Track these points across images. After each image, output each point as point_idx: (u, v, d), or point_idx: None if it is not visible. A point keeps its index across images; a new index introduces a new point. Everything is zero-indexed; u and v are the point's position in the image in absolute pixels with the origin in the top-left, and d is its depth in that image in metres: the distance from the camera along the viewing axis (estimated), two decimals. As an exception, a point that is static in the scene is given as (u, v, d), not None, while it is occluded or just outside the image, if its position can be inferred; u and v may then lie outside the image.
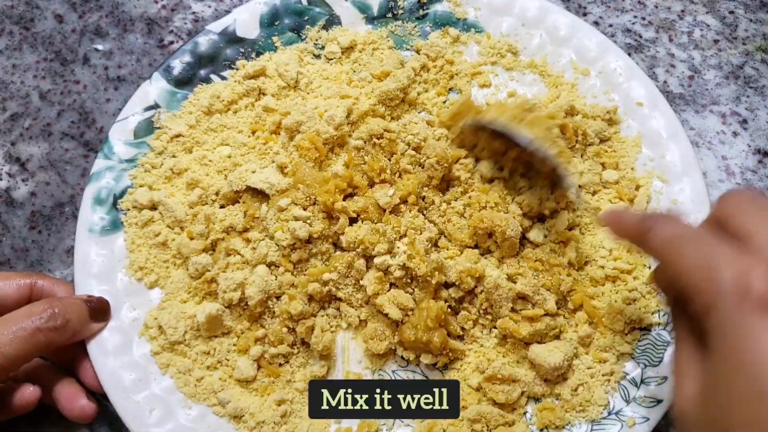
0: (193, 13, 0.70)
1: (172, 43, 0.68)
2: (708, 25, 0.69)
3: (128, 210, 0.56)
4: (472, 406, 0.51)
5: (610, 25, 0.69)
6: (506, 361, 0.52)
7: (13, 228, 0.61)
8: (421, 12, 0.65)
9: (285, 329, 0.52)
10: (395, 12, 0.65)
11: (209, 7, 0.70)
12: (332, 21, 0.64)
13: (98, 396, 0.52)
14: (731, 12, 0.70)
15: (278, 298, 0.53)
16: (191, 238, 0.55)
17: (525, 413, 0.52)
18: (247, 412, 0.51)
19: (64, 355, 0.52)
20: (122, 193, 0.57)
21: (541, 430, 0.51)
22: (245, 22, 0.63)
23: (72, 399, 0.50)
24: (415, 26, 0.64)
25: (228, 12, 0.70)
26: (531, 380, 0.51)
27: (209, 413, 0.52)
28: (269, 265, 0.53)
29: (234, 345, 0.53)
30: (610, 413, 0.51)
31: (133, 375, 0.51)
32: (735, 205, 0.35)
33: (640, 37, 0.68)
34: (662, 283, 0.41)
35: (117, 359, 0.51)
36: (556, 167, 0.51)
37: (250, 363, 0.52)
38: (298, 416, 0.52)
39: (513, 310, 0.52)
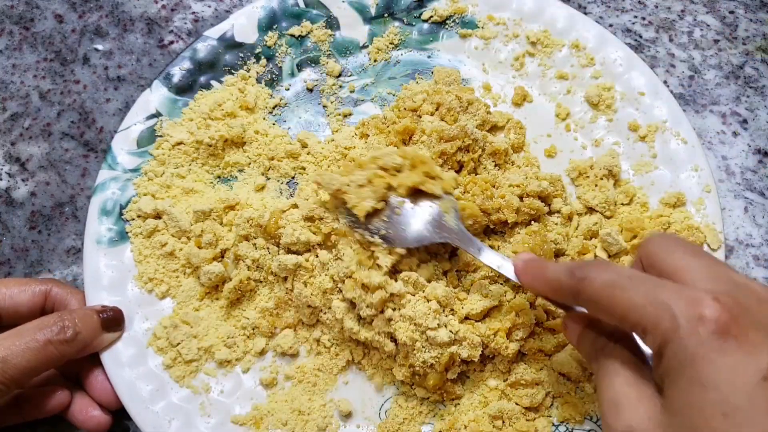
0: (193, 13, 0.70)
1: (172, 43, 0.68)
2: (708, 25, 0.69)
3: (133, 220, 0.56)
4: (494, 403, 0.51)
5: (610, 25, 0.69)
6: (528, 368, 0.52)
7: (13, 228, 0.61)
8: (419, 11, 0.65)
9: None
10: (393, 11, 0.65)
11: (209, 7, 0.70)
12: (330, 23, 0.64)
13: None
14: (731, 12, 0.70)
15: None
16: (200, 247, 0.55)
17: (549, 408, 0.52)
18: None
19: (71, 368, 0.52)
20: (128, 203, 0.57)
21: (562, 422, 0.51)
22: (243, 26, 0.63)
23: (85, 411, 0.51)
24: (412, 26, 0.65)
25: (228, 12, 0.70)
26: (555, 380, 0.51)
27: (228, 420, 0.52)
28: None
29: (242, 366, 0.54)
30: None
31: (150, 386, 0.52)
32: (657, 245, 0.37)
33: (640, 37, 0.68)
34: (581, 329, 0.42)
35: (133, 370, 0.52)
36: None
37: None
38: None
39: (538, 324, 0.52)
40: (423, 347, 0.49)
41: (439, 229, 0.50)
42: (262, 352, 0.54)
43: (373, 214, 0.50)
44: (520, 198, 0.54)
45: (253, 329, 0.54)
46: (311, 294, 0.51)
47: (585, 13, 0.69)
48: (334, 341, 0.54)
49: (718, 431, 0.30)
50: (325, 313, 0.52)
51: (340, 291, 0.51)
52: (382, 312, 0.49)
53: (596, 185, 0.57)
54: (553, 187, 0.55)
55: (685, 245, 0.37)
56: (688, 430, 0.31)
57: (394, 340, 0.50)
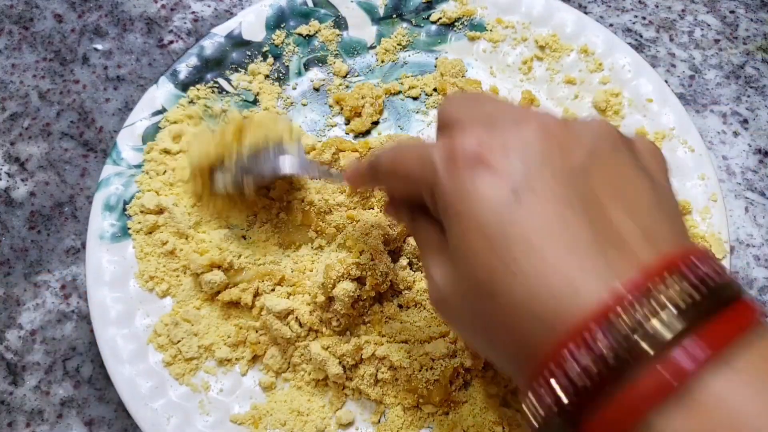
0: (193, 12, 0.70)
1: (171, 42, 0.68)
2: (708, 25, 0.69)
3: (135, 215, 0.56)
4: (495, 409, 0.50)
5: (611, 25, 0.69)
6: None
7: (12, 228, 0.61)
8: (427, 12, 0.65)
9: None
10: (401, 13, 0.65)
11: (209, 6, 0.70)
12: (338, 23, 0.64)
13: None
14: (732, 11, 0.70)
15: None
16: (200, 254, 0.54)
17: None
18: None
19: None
20: (131, 199, 0.57)
21: None
22: (251, 24, 0.63)
23: None
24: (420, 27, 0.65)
25: (228, 12, 0.70)
26: None
27: (227, 419, 0.52)
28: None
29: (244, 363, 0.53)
30: None
31: (149, 383, 0.51)
32: (446, 103, 0.36)
33: (641, 36, 0.68)
34: (394, 206, 0.42)
35: (133, 367, 0.51)
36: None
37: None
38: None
39: None
40: (423, 366, 0.49)
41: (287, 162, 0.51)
42: (254, 359, 0.54)
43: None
44: None
45: (245, 341, 0.54)
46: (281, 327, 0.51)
47: (585, 13, 0.69)
48: (313, 376, 0.53)
49: (485, 258, 0.29)
50: (298, 350, 0.52)
51: (317, 331, 0.51)
52: (360, 363, 0.50)
53: None
54: None
55: (468, 97, 0.36)
56: (466, 269, 0.30)
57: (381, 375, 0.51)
